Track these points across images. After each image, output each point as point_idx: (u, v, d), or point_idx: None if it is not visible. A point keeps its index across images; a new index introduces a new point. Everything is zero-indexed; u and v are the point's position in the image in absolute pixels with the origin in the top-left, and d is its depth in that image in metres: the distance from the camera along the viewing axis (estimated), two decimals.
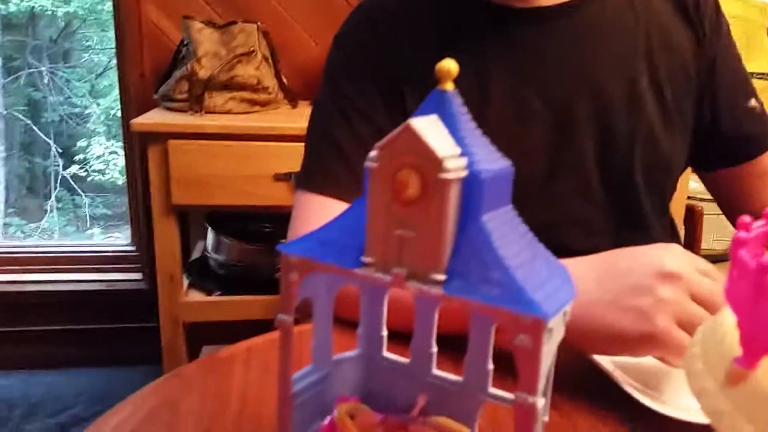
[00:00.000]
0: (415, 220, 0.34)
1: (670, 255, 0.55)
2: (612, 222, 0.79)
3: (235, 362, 0.58)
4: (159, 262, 1.47)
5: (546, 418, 0.39)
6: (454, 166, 0.33)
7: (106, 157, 5.31)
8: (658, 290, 0.52)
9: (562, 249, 0.45)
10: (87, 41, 5.35)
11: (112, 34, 1.90)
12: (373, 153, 0.35)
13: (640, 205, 0.80)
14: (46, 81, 5.52)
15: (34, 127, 5.48)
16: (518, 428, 0.32)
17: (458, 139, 0.35)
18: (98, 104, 5.56)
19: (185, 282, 1.56)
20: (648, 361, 0.58)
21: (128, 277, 1.93)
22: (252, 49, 1.54)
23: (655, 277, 0.53)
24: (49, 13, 5.23)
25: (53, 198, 5.44)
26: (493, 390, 0.42)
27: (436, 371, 0.44)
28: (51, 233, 5.12)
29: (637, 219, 0.80)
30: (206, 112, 1.50)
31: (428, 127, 0.34)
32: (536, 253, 0.36)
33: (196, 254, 1.75)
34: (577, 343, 0.56)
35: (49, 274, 1.95)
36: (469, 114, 0.36)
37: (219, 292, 1.56)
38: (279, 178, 1.41)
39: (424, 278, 0.34)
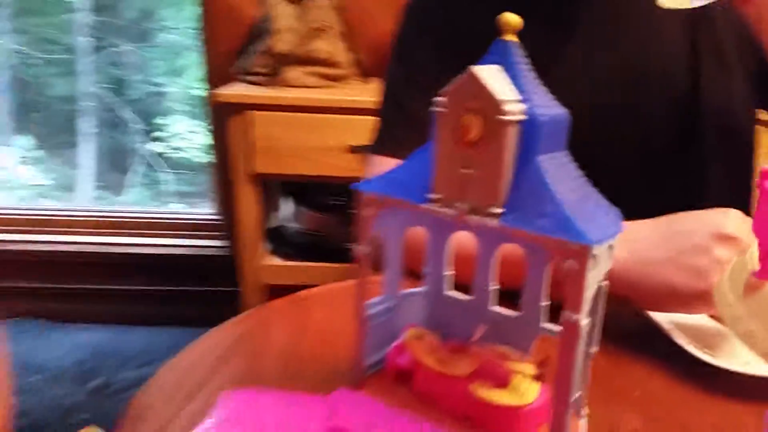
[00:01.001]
0: (477, 159, 0.39)
1: (729, 219, 0.58)
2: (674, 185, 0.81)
3: (315, 302, 0.64)
4: (242, 228, 1.55)
5: (595, 349, 0.43)
6: (513, 110, 0.37)
7: (185, 135, 5.53)
8: (715, 251, 0.55)
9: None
10: (166, 21, 5.56)
11: (186, 14, 1.98)
12: (438, 99, 0.40)
13: (704, 165, 0.81)
14: (128, 60, 5.78)
15: (118, 105, 5.76)
16: (563, 344, 0.37)
17: (518, 86, 0.39)
18: (177, 83, 5.79)
19: (265, 248, 1.65)
20: (704, 322, 0.60)
21: (212, 244, 2.05)
22: (325, 23, 1.60)
23: (713, 238, 0.56)
24: None
25: (136, 173, 5.72)
26: (547, 324, 0.46)
27: (495, 307, 0.49)
28: (136, 207, 5.39)
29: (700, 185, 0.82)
30: (283, 86, 1.57)
31: (490, 75, 0.38)
32: (587, 194, 0.40)
33: (272, 223, 1.84)
34: (636, 298, 0.59)
35: (139, 238, 2.09)
36: (529, 65, 0.40)
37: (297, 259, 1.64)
38: (353, 150, 1.47)
39: (484, 212, 0.39)
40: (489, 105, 0.37)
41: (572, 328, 0.36)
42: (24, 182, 5.16)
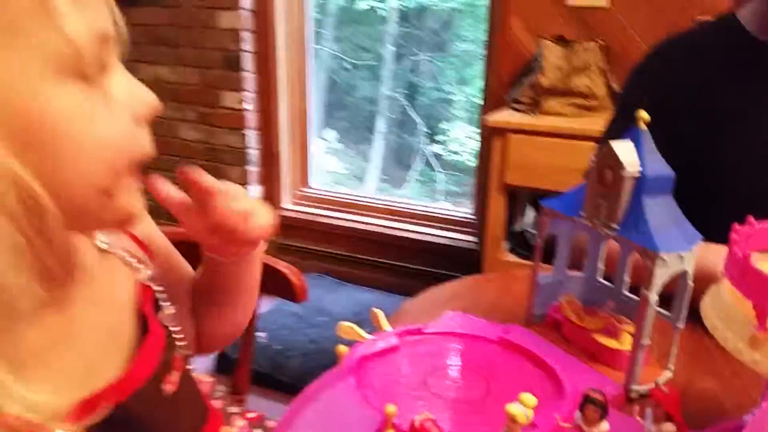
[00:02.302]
0: (608, 195, 0.66)
1: None
2: None
3: (518, 278, 0.93)
4: (489, 228, 1.88)
5: (681, 325, 0.66)
6: (632, 169, 0.64)
7: (463, 140, 6.03)
8: None
9: None
10: (464, 31, 6.08)
11: (484, 26, 2.32)
12: (592, 157, 0.67)
13: None
14: (424, 68, 6.44)
15: (409, 108, 6.46)
16: (640, 308, 0.62)
17: (640, 155, 0.65)
18: (463, 92, 6.29)
19: (506, 246, 1.96)
20: None
21: (466, 238, 2.42)
22: (589, 63, 1.84)
23: None
24: (437, 7, 6.10)
25: (415, 170, 6.38)
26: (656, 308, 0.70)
27: (625, 292, 0.74)
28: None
29: None
30: (543, 114, 1.85)
31: (622, 147, 0.65)
32: (676, 223, 0.64)
33: (517, 227, 2.14)
34: None
35: (408, 225, 2.54)
36: (652, 142, 0.66)
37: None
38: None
39: (608, 226, 0.66)
40: (617, 165, 0.64)
41: (645, 299, 0.62)
42: (327, 169, 6.10)
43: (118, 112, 0.41)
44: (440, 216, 2.55)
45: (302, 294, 0.86)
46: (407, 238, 2.49)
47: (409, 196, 6.12)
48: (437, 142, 6.18)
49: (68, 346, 0.45)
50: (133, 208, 0.45)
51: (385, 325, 0.68)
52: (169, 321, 0.56)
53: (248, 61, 2.53)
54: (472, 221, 2.46)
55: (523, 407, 0.45)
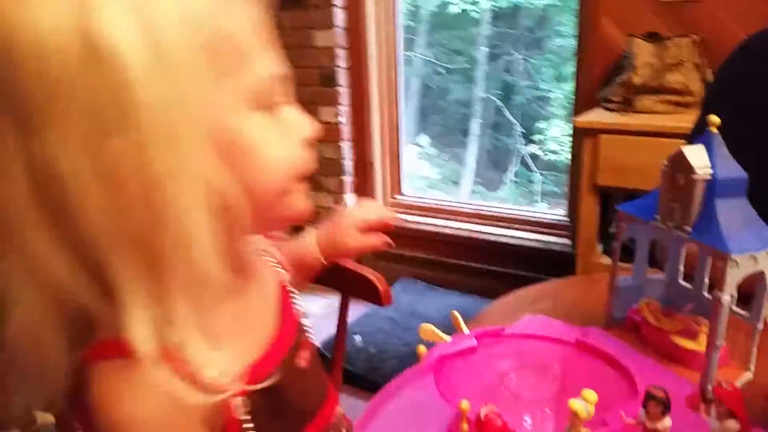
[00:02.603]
0: (680, 198, 0.67)
1: None
2: None
3: (598, 281, 0.94)
4: (582, 229, 1.87)
5: (760, 326, 0.66)
6: (703, 172, 0.65)
7: (560, 139, 5.92)
8: None
9: None
10: (560, 26, 5.97)
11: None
12: (664, 162, 0.69)
13: None
14: (519, 67, 6.37)
15: (504, 109, 6.41)
16: (714, 309, 0.63)
17: (711, 158, 0.65)
18: (561, 89, 6.17)
19: (600, 248, 1.93)
20: None
21: (559, 241, 2.40)
22: (681, 59, 1.80)
23: None
24: (531, 5, 6.03)
25: (511, 172, 6.31)
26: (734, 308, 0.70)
27: (705, 293, 0.74)
28: (506, 203, 5.99)
29: None
30: (635, 112, 1.82)
31: (693, 151, 0.66)
32: (749, 224, 0.64)
33: (612, 229, 2.10)
34: None
35: (502, 230, 2.55)
36: (723, 146, 0.66)
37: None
38: None
39: (682, 229, 0.67)
40: (689, 168, 0.65)
41: (718, 300, 0.62)
42: (420, 174, 6.14)
43: (290, 136, 0.54)
44: (532, 219, 2.54)
45: (387, 298, 0.92)
46: (498, 242, 2.50)
47: (506, 198, 6.07)
48: (534, 142, 6.10)
49: (244, 324, 0.58)
50: (303, 207, 0.57)
51: (464, 327, 0.72)
52: (300, 314, 0.67)
53: (342, 77, 2.64)
54: (566, 223, 2.44)
55: (584, 402, 0.48)
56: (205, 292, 0.48)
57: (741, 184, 0.66)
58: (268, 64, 0.51)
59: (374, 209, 0.83)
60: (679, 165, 0.67)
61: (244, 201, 0.49)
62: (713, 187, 0.65)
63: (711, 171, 0.65)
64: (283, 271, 0.68)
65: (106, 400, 0.47)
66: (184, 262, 0.46)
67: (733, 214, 0.65)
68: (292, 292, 0.67)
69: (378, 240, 0.82)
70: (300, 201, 0.57)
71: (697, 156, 0.66)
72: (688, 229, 0.66)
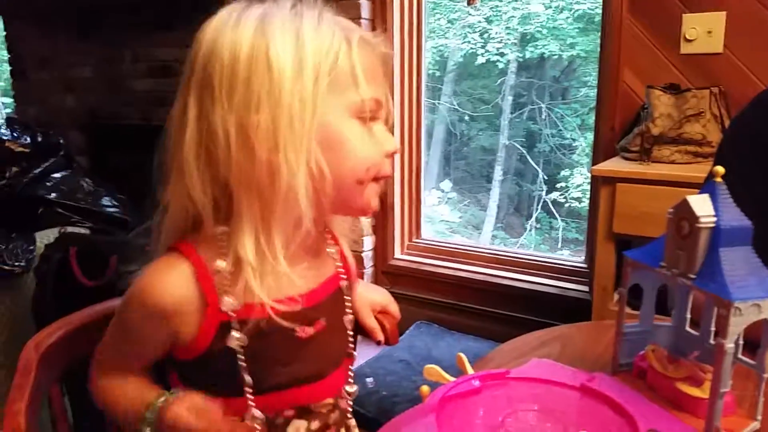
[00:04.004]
0: (685, 246, 0.68)
1: None
2: None
3: (608, 327, 0.94)
4: (598, 277, 1.86)
5: (766, 374, 0.66)
6: (707, 221, 0.66)
7: (584, 187, 5.91)
8: None
9: None
10: (586, 77, 6.02)
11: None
12: (670, 210, 0.70)
13: None
14: (543, 116, 6.41)
15: (527, 156, 6.43)
16: (717, 356, 0.63)
17: (716, 207, 0.66)
18: (585, 137, 6.19)
19: (616, 296, 1.91)
20: None
21: (576, 288, 2.39)
22: (701, 110, 1.81)
23: None
24: (556, 56, 6.10)
25: (533, 218, 6.30)
26: (739, 356, 0.70)
27: (711, 341, 0.74)
28: (527, 249, 5.97)
29: None
30: (653, 162, 1.83)
31: (697, 200, 0.67)
32: (753, 273, 0.65)
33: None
34: None
35: (522, 275, 2.54)
36: (728, 196, 0.67)
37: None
38: None
39: (686, 276, 0.67)
40: (692, 216, 0.66)
41: (721, 347, 0.62)
42: (441, 218, 6.15)
43: (375, 144, 0.72)
44: (551, 265, 2.53)
45: (393, 338, 0.93)
46: (517, 287, 2.49)
47: (527, 244, 6.04)
48: (557, 189, 6.10)
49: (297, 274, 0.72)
50: (373, 201, 0.74)
51: (469, 368, 0.73)
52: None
53: None
54: (585, 270, 2.43)
55: None
56: (295, 233, 0.69)
57: (745, 232, 0.66)
58: (368, 91, 0.69)
59: (386, 298, 1.00)
60: (684, 213, 0.68)
61: (331, 177, 0.68)
62: (717, 235, 0.65)
63: (715, 220, 0.66)
64: (344, 276, 0.83)
65: (144, 272, 0.71)
66: (285, 205, 0.67)
67: (737, 263, 0.65)
68: (345, 294, 0.83)
69: (384, 328, 0.96)
70: (371, 194, 0.74)
71: (701, 205, 0.67)
72: (693, 276, 0.66)
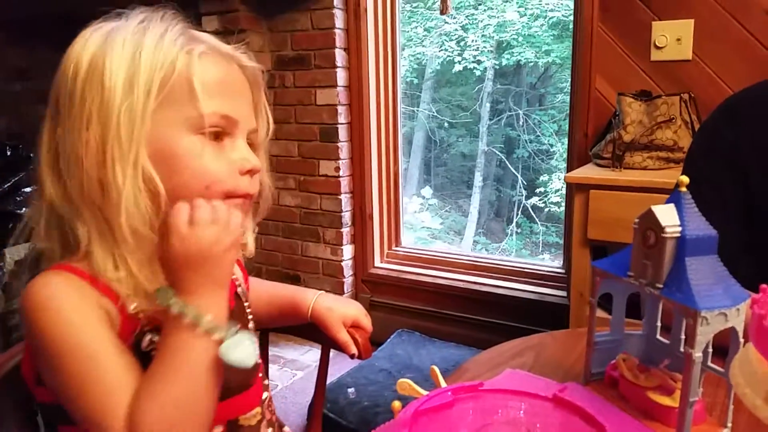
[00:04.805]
0: (652, 256, 0.68)
1: None
2: None
3: (582, 335, 0.95)
4: (573, 281, 1.88)
5: None
6: (672, 231, 0.66)
7: (562, 192, 5.95)
8: None
9: None
10: (562, 83, 6.08)
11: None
12: (636, 220, 0.70)
13: None
14: (521, 122, 6.46)
15: (507, 162, 6.47)
16: (686, 365, 0.64)
17: (681, 217, 0.67)
18: (562, 143, 6.24)
19: None
20: None
21: (555, 293, 2.40)
22: (672, 117, 1.83)
23: None
24: (532, 63, 6.16)
25: (514, 223, 6.34)
26: (709, 364, 0.71)
27: (681, 349, 0.75)
28: (509, 254, 6.00)
29: None
30: (625, 168, 1.85)
31: (662, 210, 0.68)
32: (719, 282, 0.66)
33: None
34: None
35: (501, 281, 2.55)
36: (694, 206, 0.68)
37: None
38: None
39: (653, 286, 0.68)
40: (657, 226, 0.67)
41: (689, 357, 0.63)
42: (422, 224, 6.16)
43: (223, 159, 0.70)
44: (529, 271, 2.55)
45: (366, 352, 0.93)
46: (496, 293, 2.50)
47: (508, 249, 6.07)
48: (536, 194, 6.14)
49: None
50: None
51: (442, 381, 0.73)
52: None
53: (343, 132, 2.70)
54: (562, 275, 2.45)
55: None
56: (139, 244, 0.67)
57: (711, 242, 0.67)
58: (211, 105, 0.68)
59: (358, 312, 0.97)
60: (650, 223, 0.68)
61: (164, 191, 0.66)
62: (683, 245, 0.66)
63: (680, 230, 0.66)
64: (239, 283, 0.84)
65: (33, 288, 0.66)
66: (128, 221, 0.65)
67: (703, 272, 0.66)
68: (243, 299, 0.85)
69: (357, 342, 0.94)
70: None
71: (666, 215, 0.68)
72: (660, 286, 0.67)
